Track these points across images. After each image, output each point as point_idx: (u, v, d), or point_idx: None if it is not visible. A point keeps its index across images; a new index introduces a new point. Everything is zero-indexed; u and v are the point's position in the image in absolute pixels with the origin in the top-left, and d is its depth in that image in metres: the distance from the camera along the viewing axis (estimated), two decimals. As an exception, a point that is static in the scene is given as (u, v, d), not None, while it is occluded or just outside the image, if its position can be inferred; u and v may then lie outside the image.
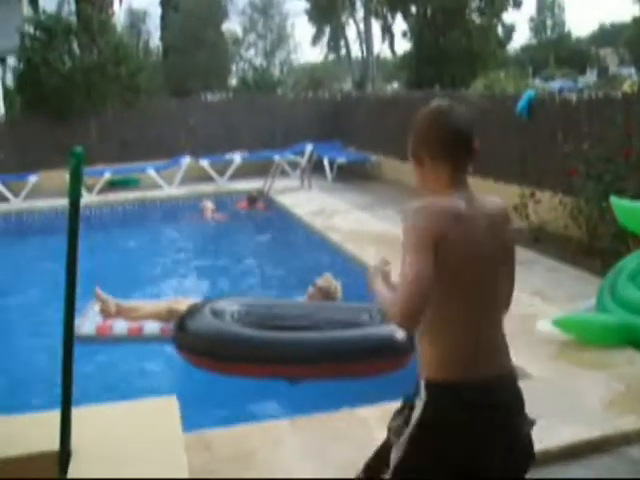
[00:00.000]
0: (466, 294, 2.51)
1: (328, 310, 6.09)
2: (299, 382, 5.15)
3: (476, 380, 2.52)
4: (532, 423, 2.74)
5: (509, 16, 50.21)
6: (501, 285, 2.66)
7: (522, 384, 5.10)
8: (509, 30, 25.67)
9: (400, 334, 5.55)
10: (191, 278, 10.34)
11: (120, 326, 6.68)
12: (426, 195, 2.63)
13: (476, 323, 2.54)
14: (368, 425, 4.50)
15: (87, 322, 6.60)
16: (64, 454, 2.93)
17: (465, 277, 2.50)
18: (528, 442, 2.71)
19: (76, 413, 2.93)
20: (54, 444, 2.93)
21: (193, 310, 6.14)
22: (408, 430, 2.53)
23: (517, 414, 2.67)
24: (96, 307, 6.95)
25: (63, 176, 14.21)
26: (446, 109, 2.69)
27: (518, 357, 5.44)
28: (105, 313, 6.89)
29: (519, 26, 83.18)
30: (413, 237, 2.44)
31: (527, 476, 2.78)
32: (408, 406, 2.61)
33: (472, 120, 2.68)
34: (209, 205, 13.52)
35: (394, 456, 2.58)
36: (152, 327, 6.64)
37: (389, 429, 2.69)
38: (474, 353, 2.53)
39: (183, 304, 6.81)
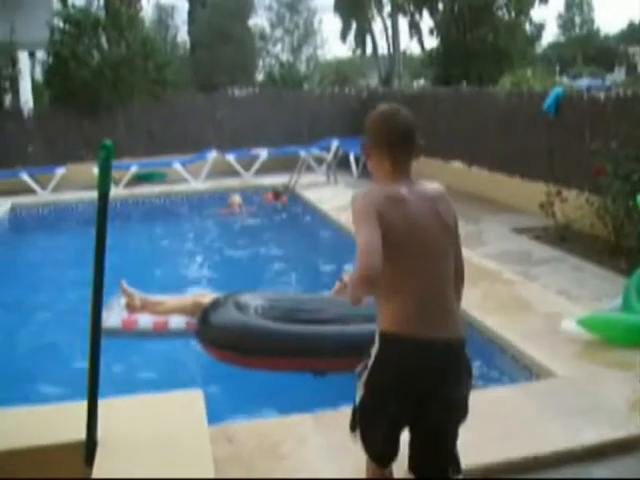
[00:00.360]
0: (409, 265, 2.99)
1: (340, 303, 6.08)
2: (324, 375, 5.16)
3: (416, 338, 2.99)
4: (467, 388, 3.20)
5: (538, 13, 49.91)
6: (446, 258, 3.08)
7: (547, 383, 5.12)
8: (538, 28, 25.42)
9: None
10: (216, 271, 10.36)
11: (145, 320, 6.63)
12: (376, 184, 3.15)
13: (419, 291, 3.00)
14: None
15: (112, 316, 6.57)
16: (90, 444, 2.96)
17: (407, 251, 2.98)
18: (462, 404, 3.19)
19: (102, 404, 2.96)
20: (80, 434, 2.96)
21: (216, 304, 6.15)
22: (366, 372, 3.09)
23: (451, 376, 3.06)
24: (121, 301, 6.92)
25: (90, 169, 14.35)
26: (391, 112, 3.18)
27: (542, 356, 5.47)
28: (130, 307, 6.86)
29: (547, 23, 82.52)
30: (359, 216, 2.93)
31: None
32: (367, 356, 3.12)
33: (414, 121, 3.18)
34: (237, 199, 13.54)
35: (357, 395, 3.16)
36: (178, 322, 6.59)
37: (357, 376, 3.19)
38: (417, 316, 2.99)
39: (208, 298, 6.81)
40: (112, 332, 6.26)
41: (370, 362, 3.08)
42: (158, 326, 6.57)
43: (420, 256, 3.00)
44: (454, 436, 3.21)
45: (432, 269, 3.03)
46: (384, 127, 3.13)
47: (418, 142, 3.17)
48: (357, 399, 3.18)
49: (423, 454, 3.22)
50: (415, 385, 3.02)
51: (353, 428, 3.29)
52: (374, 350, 3.08)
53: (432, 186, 3.19)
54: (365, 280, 2.78)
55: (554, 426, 4.44)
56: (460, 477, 3.20)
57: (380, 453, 3.24)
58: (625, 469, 4.07)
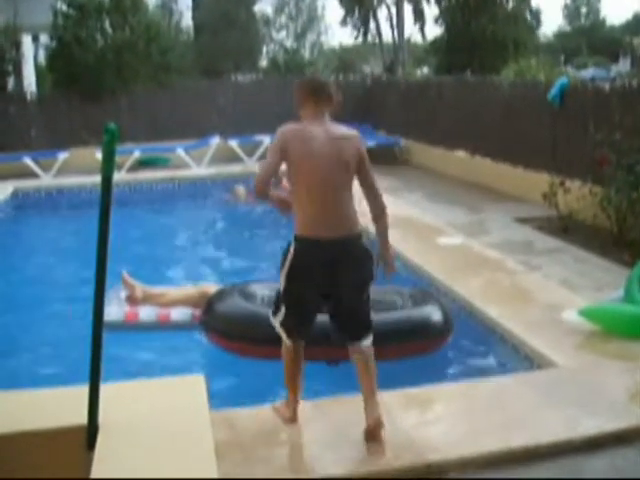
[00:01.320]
0: (306, 184, 4.06)
1: None
2: (337, 363, 5.16)
3: (313, 238, 4.07)
4: (368, 271, 4.24)
5: (541, 1, 49.79)
6: (338, 179, 4.09)
7: (547, 373, 5.13)
8: (536, 15, 25.21)
9: (436, 316, 5.60)
10: (219, 261, 10.17)
11: (148, 312, 6.55)
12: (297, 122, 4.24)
13: (315, 202, 4.06)
14: (389, 408, 4.51)
15: (113, 308, 6.43)
16: (92, 429, 2.96)
17: (304, 173, 4.07)
18: (364, 285, 4.23)
19: (104, 389, 2.96)
20: (82, 419, 2.96)
21: (222, 294, 6.11)
22: (285, 264, 4.13)
23: (345, 265, 4.10)
24: (121, 294, 6.81)
25: (93, 154, 14.34)
26: (310, 76, 4.83)
27: (543, 346, 5.48)
28: (132, 299, 6.76)
29: (553, 13, 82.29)
30: (270, 145, 4.17)
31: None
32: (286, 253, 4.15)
33: (330, 82, 4.35)
34: (241, 190, 13.41)
35: (280, 285, 4.23)
36: (183, 313, 6.54)
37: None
38: (314, 221, 4.07)
39: (214, 288, 6.71)
40: (114, 326, 6.12)
41: (288, 257, 4.10)
42: (162, 318, 6.49)
43: (314, 177, 4.04)
44: (365, 311, 4.27)
45: (324, 188, 4.04)
46: (309, 83, 4.37)
47: (334, 96, 4.30)
48: (280, 287, 4.22)
49: (343, 326, 4.30)
50: (315, 272, 4.08)
51: (274, 313, 4.36)
52: (291, 248, 4.10)
53: (344, 130, 4.24)
54: (256, 188, 4.04)
55: (554, 416, 4.45)
56: (369, 339, 4.24)
57: (291, 326, 4.29)
58: (624, 460, 4.08)
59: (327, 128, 4.17)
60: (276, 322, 4.34)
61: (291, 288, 4.16)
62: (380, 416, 4.12)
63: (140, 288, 6.82)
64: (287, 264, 4.11)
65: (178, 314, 6.55)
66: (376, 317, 4.81)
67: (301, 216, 4.09)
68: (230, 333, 5.72)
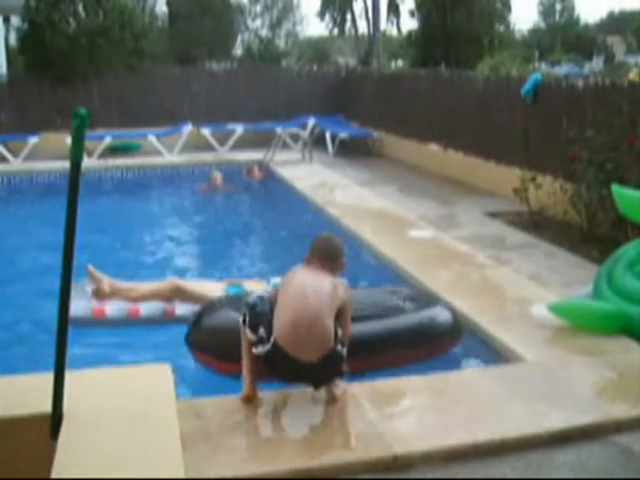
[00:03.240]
0: (286, 310, 4.43)
1: (365, 296, 5.64)
2: (362, 374, 5.03)
3: (289, 354, 4.36)
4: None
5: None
6: (313, 312, 4.38)
7: (515, 368, 5.15)
8: (507, 4, 25.21)
9: (442, 317, 5.58)
10: (189, 252, 9.98)
11: (117, 308, 6.33)
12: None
13: (292, 326, 4.37)
14: (357, 400, 4.51)
15: (79, 303, 6.15)
16: (56, 417, 2.92)
17: (285, 301, 4.48)
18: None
19: (69, 377, 2.92)
20: (46, 406, 2.92)
21: (213, 307, 5.46)
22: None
23: (309, 379, 4.52)
24: (88, 287, 6.51)
25: (64, 139, 14.19)
26: (326, 238, 5.06)
27: (512, 340, 5.50)
28: (99, 293, 6.47)
29: (528, 9, 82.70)
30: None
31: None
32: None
33: (340, 248, 4.93)
34: (218, 175, 13.33)
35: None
36: (153, 308, 6.35)
37: None
38: (288, 340, 4.36)
39: (189, 283, 6.63)
40: (81, 322, 5.88)
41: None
42: (132, 313, 6.27)
43: (293, 305, 4.41)
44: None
45: (297, 317, 4.35)
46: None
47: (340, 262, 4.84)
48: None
49: None
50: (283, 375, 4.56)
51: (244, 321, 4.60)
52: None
53: (325, 280, 4.57)
54: None
55: (521, 410, 4.46)
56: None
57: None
58: (590, 455, 4.10)
59: (313, 275, 4.65)
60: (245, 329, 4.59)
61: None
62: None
63: (107, 282, 6.52)
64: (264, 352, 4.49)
65: (148, 309, 6.34)
66: (389, 323, 4.95)
67: (279, 327, 4.48)
68: (225, 354, 5.01)
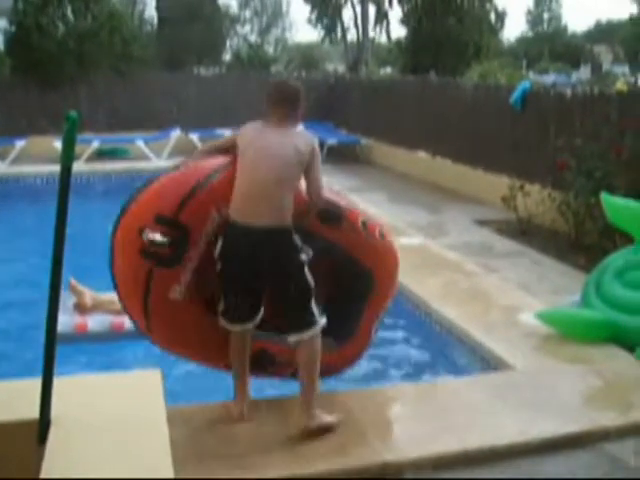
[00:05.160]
0: (245, 169, 4.17)
1: None
2: None
3: (241, 224, 4.09)
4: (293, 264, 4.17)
5: (504, 4, 50.50)
6: (274, 172, 4.10)
7: (504, 376, 5.15)
8: (501, 17, 25.29)
9: None
10: None
11: (100, 321, 6.05)
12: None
13: (247, 188, 4.12)
14: (347, 408, 4.50)
15: (60, 319, 5.93)
16: (44, 423, 2.89)
17: (245, 160, 4.19)
18: (291, 277, 4.18)
19: (58, 382, 2.89)
20: (34, 412, 2.89)
21: None
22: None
23: (267, 254, 4.10)
24: (68, 302, 6.19)
25: (51, 142, 14.13)
26: (279, 81, 4.66)
27: (500, 348, 5.51)
28: (80, 307, 6.22)
29: (516, 18, 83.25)
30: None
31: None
32: None
33: (298, 89, 4.44)
34: None
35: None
36: None
37: None
38: (242, 206, 4.10)
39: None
40: (62, 338, 5.58)
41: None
42: (116, 327, 5.98)
43: (253, 165, 4.14)
44: (298, 304, 4.20)
45: (259, 177, 4.09)
46: (271, 90, 4.46)
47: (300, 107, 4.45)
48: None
49: (282, 315, 4.29)
50: (238, 255, 4.13)
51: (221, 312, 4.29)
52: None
53: (298, 133, 4.35)
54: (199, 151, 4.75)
55: (510, 418, 4.46)
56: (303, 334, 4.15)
57: (230, 308, 4.26)
58: (578, 463, 4.11)
59: (275, 129, 4.31)
60: (220, 318, 4.30)
61: (221, 270, 4.21)
62: (310, 417, 4.20)
63: (89, 294, 6.29)
64: (219, 245, 4.20)
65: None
66: None
67: (234, 197, 4.18)
68: None
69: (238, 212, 4.10)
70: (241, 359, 4.37)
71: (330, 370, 4.64)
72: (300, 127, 4.49)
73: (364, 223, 4.58)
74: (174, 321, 4.28)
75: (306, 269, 4.17)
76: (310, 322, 4.18)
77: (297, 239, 4.16)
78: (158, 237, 4.09)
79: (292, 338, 4.18)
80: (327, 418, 4.23)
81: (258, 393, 4.69)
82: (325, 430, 4.19)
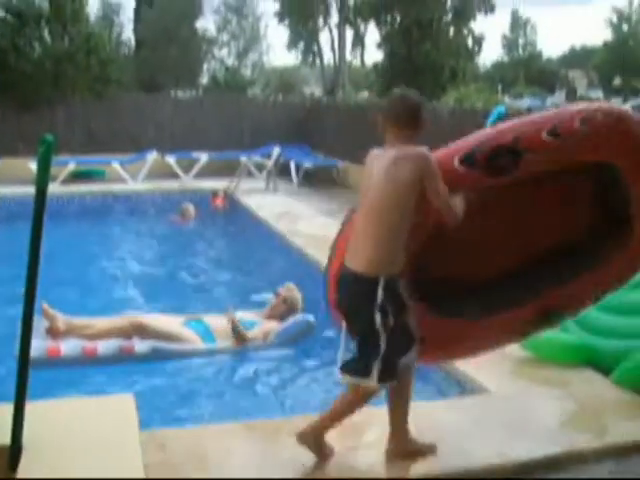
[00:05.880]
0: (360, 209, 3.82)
1: None
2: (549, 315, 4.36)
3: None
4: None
5: (481, 29, 50.95)
6: (378, 203, 3.72)
7: (479, 399, 5.14)
8: (479, 41, 25.58)
9: None
10: (150, 286, 9.39)
11: (72, 346, 5.99)
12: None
13: (358, 229, 3.76)
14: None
15: (32, 343, 5.82)
16: (15, 449, 2.86)
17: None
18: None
19: (30, 407, 2.86)
20: (5, 438, 2.85)
21: None
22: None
23: (355, 302, 3.78)
24: (41, 325, 6.09)
25: (25, 164, 14.04)
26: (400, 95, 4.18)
27: (475, 371, 5.50)
28: (53, 331, 6.16)
29: (492, 44, 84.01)
30: (436, 170, 3.79)
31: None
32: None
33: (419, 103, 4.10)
34: (191, 209, 13.06)
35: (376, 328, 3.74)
36: (109, 346, 6.01)
37: None
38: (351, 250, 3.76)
39: (149, 318, 6.39)
40: (34, 362, 5.47)
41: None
42: (89, 352, 5.94)
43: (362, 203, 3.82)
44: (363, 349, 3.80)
45: (367, 215, 3.73)
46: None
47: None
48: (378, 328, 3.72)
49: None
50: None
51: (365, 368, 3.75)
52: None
53: (406, 155, 3.90)
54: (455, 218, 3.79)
55: (486, 442, 4.45)
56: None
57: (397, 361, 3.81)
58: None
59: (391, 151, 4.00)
60: (375, 372, 3.76)
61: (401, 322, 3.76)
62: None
63: (62, 319, 6.24)
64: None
65: (106, 347, 6.01)
66: None
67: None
68: None
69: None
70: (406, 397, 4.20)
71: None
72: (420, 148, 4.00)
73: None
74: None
75: (377, 323, 3.71)
76: (361, 371, 3.81)
77: (381, 295, 3.68)
78: None
79: (344, 379, 3.91)
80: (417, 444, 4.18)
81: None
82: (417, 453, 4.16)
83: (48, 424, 3.11)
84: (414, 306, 3.89)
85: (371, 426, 4.73)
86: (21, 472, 2.73)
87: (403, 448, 4.12)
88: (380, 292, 3.64)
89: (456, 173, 3.81)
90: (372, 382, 3.75)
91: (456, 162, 3.86)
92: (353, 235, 3.75)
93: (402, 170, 3.70)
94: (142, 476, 2.70)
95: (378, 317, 3.66)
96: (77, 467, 2.79)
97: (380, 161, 3.83)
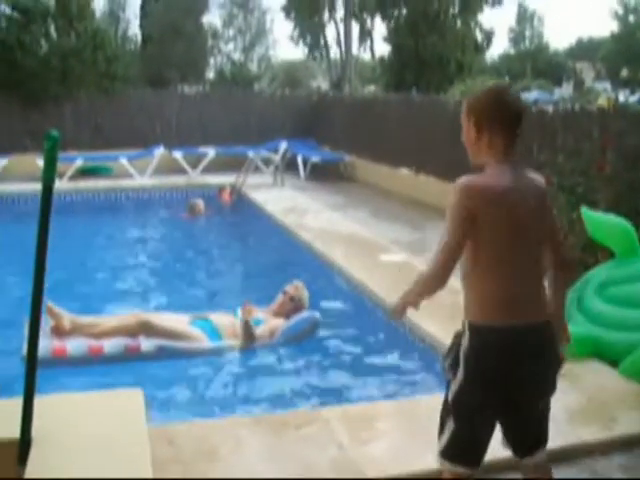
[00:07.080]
0: (500, 254, 2.98)
1: None
2: None
3: (504, 326, 3.00)
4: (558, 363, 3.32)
5: (489, 22, 50.73)
6: (535, 248, 3.05)
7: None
8: (488, 35, 25.52)
9: None
10: (157, 282, 9.35)
11: (78, 345, 5.95)
12: (479, 164, 3.27)
13: (509, 278, 3.01)
14: (329, 425, 4.48)
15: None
16: (24, 443, 2.87)
17: (499, 241, 2.96)
18: (548, 377, 3.28)
19: (39, 401, 2.88)
20: (14, 432, 2.87)
21: None
22: (461, 365, 3.02)
23: (534, 358, 3.06)
24: (47, 324, 6.04)
25: (34, 160, 14.08)
26: (507, 91, 3.22)
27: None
28: (58, 330, 6.12)
29: (499, 36, 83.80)
30: (451, 210, 3.02)
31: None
32: (456, 344, 3.15)
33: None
34: (201, 205, 13.04)
35: (452, 389, 3.07)
36: (116, 344, 5.98)
37: (444, 368, 3.17)
38: (504, 303, 3.02)
39: (155, 317, 6.36)
40: (40, 362, 5.39)
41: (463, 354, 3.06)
42: (94, 351, 5.90)
43: (510, 251, 3.00)
44: (547, 415, 3.34)
45: (521, 263, 3.02)
46: (500, 104, 3.16)
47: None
48: (450, 395, 3.10)
49: (524, 436, 3.34)
50: (513, 373, 3.04)
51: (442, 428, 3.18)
52: (465, 340, 3.09)
53: (536, 177, 3.28)
54: (436, 276, 3.15)
55: (494, 434, 4.45)
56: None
57: (472, 449, 3.24)
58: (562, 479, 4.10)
59: (519, 175, 3.22)
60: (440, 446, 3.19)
61: (472, 397, 3.05)
62: None
63: (68, 318, 6.20)
64: (463, 362, 3.05)
65: (112, 346, 5.98)
66: None
67: (484, 295, 3.16)
68: None
69: (495, 311, 3.16)
70: None
71: None
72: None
73: None
74: None
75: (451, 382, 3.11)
76: (546, 436, 3.35)
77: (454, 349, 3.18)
78: None
79: (537, 456, 3.36)
80: None
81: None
82: None
83: (57, 418, 3.13)
84: None
85: (374, 420, 4.75)
86: (30, 465, 2.75)
87: None
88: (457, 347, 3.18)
89: None
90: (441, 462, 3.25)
91: None
92: (500, 287, 3.07)
93: (544, 204, 3.23)
94: (150, 470, 2.71)
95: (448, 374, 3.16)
96: (85, 461, 2.81)
97: (521, 192, 3.09)
